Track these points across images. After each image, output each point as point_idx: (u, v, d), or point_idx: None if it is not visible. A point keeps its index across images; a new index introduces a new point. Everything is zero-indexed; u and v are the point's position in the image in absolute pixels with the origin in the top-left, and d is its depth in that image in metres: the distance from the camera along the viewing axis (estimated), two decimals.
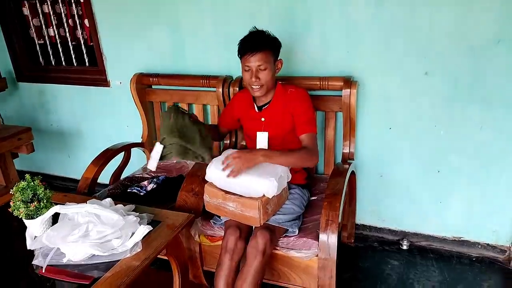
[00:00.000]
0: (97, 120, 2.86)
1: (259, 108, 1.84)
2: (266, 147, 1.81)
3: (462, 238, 2.18)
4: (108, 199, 1.57)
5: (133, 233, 1.40)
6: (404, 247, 2.24)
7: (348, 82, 1.94)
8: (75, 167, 3.04)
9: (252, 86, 1.71)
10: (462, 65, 1.87)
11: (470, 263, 2.11)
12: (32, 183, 1.45)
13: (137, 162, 2.58)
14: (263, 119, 1.82)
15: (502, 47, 1.77)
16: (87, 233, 1.36)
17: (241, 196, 1.58)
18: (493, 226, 2.10)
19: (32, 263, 1.34)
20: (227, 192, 1.60)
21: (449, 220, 2.17)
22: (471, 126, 1.95)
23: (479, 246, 2.16)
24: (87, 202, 1.49)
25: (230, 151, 1.72)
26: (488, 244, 2.14)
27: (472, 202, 2.09)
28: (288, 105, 1.77)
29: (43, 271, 1.29)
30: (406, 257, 2.18)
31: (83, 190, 2.06)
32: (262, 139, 1.83)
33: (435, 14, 1.82)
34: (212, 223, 1.79)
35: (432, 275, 2.03)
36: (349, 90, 1.93)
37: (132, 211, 1.58)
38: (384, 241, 2.31)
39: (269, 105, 1.81)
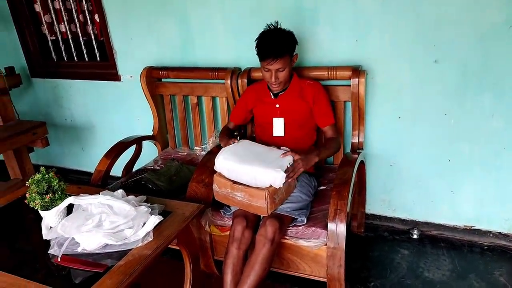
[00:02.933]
0: (109, 114, 2.91)
1: (275, 95, 1.91)
2: (282, 133, 1.90)
3: (473, 227, 2.17)
4: (120, 191, 1.60)
5: (144, 223, 1.44)
6: (415, 236, 2.24)
7: (357, 71, 1.93)
8: (89, 160, 3.10)
9: (272, 84, 1.82)
10: (472, 52, 1.84)
11: (481, 252, 2.10)
12: (46, 176, 1.49)
13: (149, 154, 2.62)
14: (277, 105, 1.90)
15: None
16: (101, 223, 1.40)
17: (248, 186, 1.60)
18: (505, 214, 2.08)
19: (48, 252, 1.39)
20: (235, 182, 1.63)
21: (460, 209, 2.16)
22: (482, 114, 1.93)
23: (491, 235, 2.14)
24: (100, 193, 1.54)
25: (245, 141, 1.80)
26: (500, 233, 2.12)
27: (484, 190, 2.07)
28: (305, 95, 1.87)
29: (59, 260, 1.34)
30: (416, 246, 2.18)
31: (97, 182, 2.11)
32: (278, 125, 1.90)
33: (443, 0, 1.79)
34: (222, 213, 1.82)
35: (442, 264, 2.03)
36: (357, 79, 1.92)
37: (144, 202, 1.62)
38: (394, 231, 2.31)
39: (285, 92, 1.89)
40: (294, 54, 1.82)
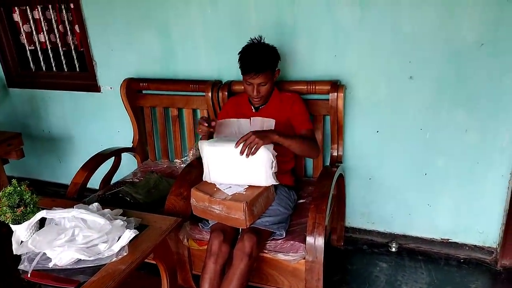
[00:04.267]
0: (88, 126, 2.87)
1: (256, 108, 1.91)
2: None
3: (450, 240, 2.20)
4: (96, 204, 1.57)
5: (120, 237, 1.41)
6: (393, 249, 2.26)
7: (335, 86, 1.96)
8: (66, 173, 3.04)
9: (253, 98, 1.82)
10: (446, 69, 1.90)
11: (458, 265, 2.13)
12: (18, 188, 1.45)
13: (128, 167, 2.59)
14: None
15: (484, 50, 1.81)
16: (73, 237, 1.37)
17: (225, 199, 1.59)
18: (480, 227, 2.12)
19: (18, 268, 1.34)
20: (212, 196, 1.61)
21: (437, 222, 2.19)
22: (457, 129, 1.98)
23: (467, 248, 2.18)
24: (74, 207, 1.50)
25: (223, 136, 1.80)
26: (475, 246, 2.16)
27: (459, 204, 2.11)
28: (284, 107, 1.89)
29: (29, 275, 1.29)
30: (394, 259, 2.20)
31: (73, 195, 2.07)
32: None
33: (418, 18, 1.86)
34: (200, 227, 1.80)
35: (420, 277, 2.05)
36: (336, 94, 1.95)
37: (120, 215, 1.59)
38: (373, 244, 2.33)
39: (265, 106, 1.91)
40: (277, 69, 1.84)
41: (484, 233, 2.12)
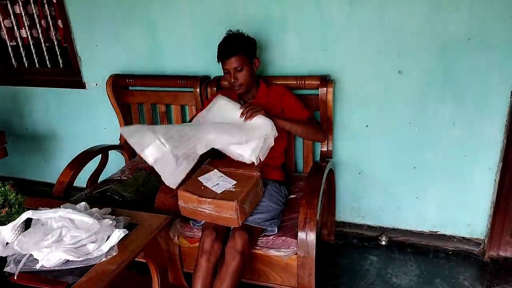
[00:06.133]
0: (74, 123, 2.81)
1: (245, 102, 1.90)
2: None
3: (438, 232, 2.23)
4: (83, 203, 1.54)
5: (109, 237, 1.38)
6: (383, 243, 2.27)
7: (325, 81, 1.95)
8: (52, 171, 2.97)
9: (233, 86, 1.81)
10: (433, 63, 1.91)
11: (446, 257, 2.16)
12: (2, 189, 1.41)
13: (115, 164, 2.54)
14: None
15: (472, 45, 1.82)
16: (61, 238, 1.33)
17: (215, 198, 1.57)
18: (468, 219, 2.15)
19: (4, 270, 1.30)
20: (201, 196, 1.58)
21: (426, 215, 2.21)
22: (444, 123, 2.00)
23: (455, 240, 2.21)
24: (61, 206, 1.46)
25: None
26: (463, 238, 2.19)
27: (447, 197, 2.14)
28: (273, 101, 1.88)
29: (15, 278, 1.26)
30: (384, 252, 2.22)
31: (59, 194, 2.02)
32: None
33: (406, 13, 1.86)
34: (191, 225, 1.78)
35: (410, 270, 2.07)
36: (325, 88, 1.94)
37: (108, 214, 1.56)
38: (363, 238, 2.35)
39: (253, 100, 1.89)
40: (255, 57, 1.84)
41: (471, 225, 2.15)
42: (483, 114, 1.93)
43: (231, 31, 1.84)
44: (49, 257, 1.29)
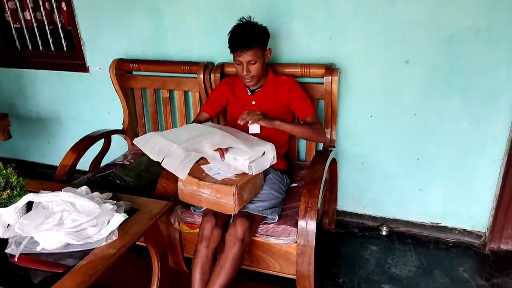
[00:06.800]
0: (77, 107, 2.81)
1: (252, 91, 1.89)
2: (258, 131, 1.87)
3: (440, 224, 2.22)
4: (84, 187, 1.54)
5: (109, 221, 1.39)
6: (384, 233, 2.27)
7: (330, 69, 1.93)
8: (55, 154, 2.98)
9: (245, 78, 1.78)
10: (441, 54, 1.87)
11: (447, 248, 2.16)
12: (4, 171, 1.41)
13: (118, 149, 2.54)
14: (253, 102, 1.88)
15: (480, 37, 1.78)
16: (62, 221, 1.34)
17: (215, 183, 1.57)
18: (470, 212, 2.14)
19: (5, 251, 1.32)
20: (201, 179, 1.59)
21: (428, 206, 2.20)
22: (450, 115, 1.97)
23: (456, 232, 2.20)
24: (62, 190, 1.47)
25: (228, 127, 1.82)
26: (465, 230, 2.19)
27: (450, 189, 2.12)
28: (281, 91, 1.86)
29: (16, 259, 1.27)
30: (385, 242, 2.22)
31: (61, 178, 2.03)
32: (254, 125, 1.85)
33: (413, 4, 1.81)
34: (192, 211, 1.79)
35: (409, 260, 2.07)
36: (330, 77, 1.92)
37: (110, 199, 1.57)
38: (364, 227, 2.35)
39: (261, 89, 1.87)
40: (268, 48, 1.80)
41: (473, 217, 2.15)
42: (489, 109, 1.90)
43: (244, 19, 1.77)
44: (50, 240, 1.30)
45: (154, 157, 1.57)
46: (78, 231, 1.33)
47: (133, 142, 1.66)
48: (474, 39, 1.79)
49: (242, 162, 1.58)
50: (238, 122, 1.63)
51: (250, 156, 1.57)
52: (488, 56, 1.80)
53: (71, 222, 1.34)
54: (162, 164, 1.56)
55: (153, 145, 1.60)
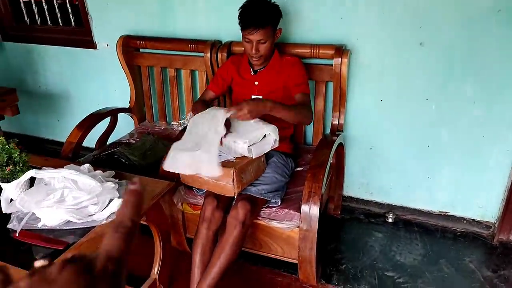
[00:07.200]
0: (86, 83, 2.80)
1: (255, 71, 1.84)
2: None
3: (448, 213, 2.18)
4: (87, 165, 1.54)
5: (111, 200, 1.38)
6: (390, 220, 2.24)
7: (340, 50, 1.86)
8: (64, 131, 2.96)
9: (252, 57, 1.73)
10: (458, 36, 1.79)
11: (454, 238, 2.12)
12: (7, 146, 1.41)
13: (125, 127, 2.53)
14: (256, 82, 1.84)
15: (501, 17, 1.69)
16: (63, 198, 1.34)
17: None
18: (480, 201, 2.09)
19: (7, 226, 1.32)
20: None
21: (436, 194, 2.16)
22: (464, 101, 1.90)
23: (465, 221, 2.16)
24: (64, 167, 1.47)
25: (215, 108, 1.72)
26: (473, 220, 2.14)
27: (460, 177, 2.07)
28: (283, 71, 1.80)
29: (17, 235, 1.28)
30: (390, 230, 2.19)
31: (67, 155, 2.03)
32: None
33: None
34: (195, 191, 1.77)
35: (414, 248, 2.04)
36: (340, 59, 1.86)
37: (112, 177, 1.56)
38: (370, 214, 2.31)
39: (264, 69, 1.83)
40: (278, 28, 1.75)
41: (483, 207, 2.09)
42: (506, 94, 1.82)
43: None
44: (51, 216, 1.30)
45: (189, 172, 1.55)
46: (79, 208, 1.33)
47: (164, 168, 1.60)
48: (495, 19, 1.70)
49: (242, 145, 1.54)
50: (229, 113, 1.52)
51: (250, 139, 1.54)
52: (509, 39, 1.71)
53: (72, 199, 1.34)
54: (202, 176, 1.56)
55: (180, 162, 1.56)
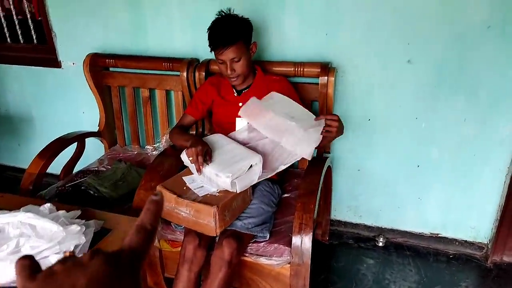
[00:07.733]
0: (50, 105, 2.58)
1: (239, 92, 1.72)
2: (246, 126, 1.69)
3: (439, 235, 2.09)
4: (48, 205, 1.34)
5: (76, 246, 1.20)
6: (380, 244, 2.13)
7: (326, 68, 1.76)
8: (26, 156, 2.71)
9: (230, 77, 1.62)
10: (447, 53, 1.72)
11: (447, 261, 2.03)
12: None
13: (93, 152, 2.33)
14: (240, 104, 1.69)
15: (491, 33, 1.63)
16: (18, 249, 1.14)
17: (194, 200, 1.38)
18: (472, 222, 2.02)
19: None
20: (179, 196, 1.40)
21: (427, 216, 2.07)
22: (454, 119, 1.83)
23: (457, 243, 2.08)
24: (21, 209, 1.27)
25: (217, 136, 1.60)
26: (465, 241, 2.06)
27: (451, 198, 1.99)
28: (271, 90, 1.68)
29: None
30: (382, 254, 2.08)
31: (27, 187, 1.81)
32: (242, 126, 1.69)
33: None
34: (173, 227, 1.60)
35: (408, 275, 1.94)
36: (326, 77, 1.75)
37: (78, 217, 1.37)
38: (359, 238, 2.20)
39: (249, 90, 1.71)
40: (252, 42, 1.64)
41: (475, 228, 2.02)
42: (497, 112, 1.76)
43: (223, 12, 1.61)
44: (3, 271, 1.10)
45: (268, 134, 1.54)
46: (38, 260, 1.14)
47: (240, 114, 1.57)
48: (486, 35, 1.64)
49: (224, 179, 1.37)
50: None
51: (233, 172, 1.39)
52: (500, 54, 1.66)
53: (29, 249, 1.14)
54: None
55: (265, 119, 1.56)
